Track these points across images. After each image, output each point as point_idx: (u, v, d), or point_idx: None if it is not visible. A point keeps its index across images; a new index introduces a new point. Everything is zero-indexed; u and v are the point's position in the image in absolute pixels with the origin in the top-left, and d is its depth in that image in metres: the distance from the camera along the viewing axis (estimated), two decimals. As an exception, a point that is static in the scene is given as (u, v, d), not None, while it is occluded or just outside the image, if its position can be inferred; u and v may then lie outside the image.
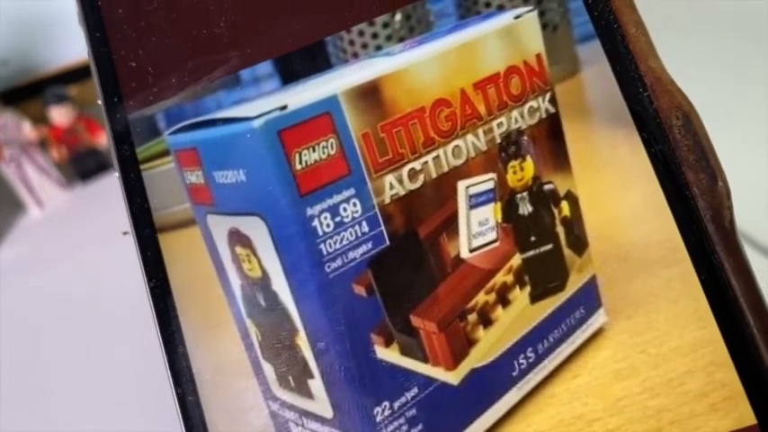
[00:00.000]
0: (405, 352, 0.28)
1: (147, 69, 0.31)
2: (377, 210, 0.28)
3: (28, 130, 0.75)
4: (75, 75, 0.81)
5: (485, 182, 0.29)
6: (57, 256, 0.75)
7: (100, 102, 0.31)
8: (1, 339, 0.68)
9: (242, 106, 0.29)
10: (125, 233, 0.30)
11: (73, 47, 0.81)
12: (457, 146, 0.29)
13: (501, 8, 0.30)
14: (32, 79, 0.80)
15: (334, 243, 0.27)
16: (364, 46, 0.30)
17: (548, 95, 0.30)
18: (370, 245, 0.28)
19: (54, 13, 0.80)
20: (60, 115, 0.76)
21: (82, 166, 0.79)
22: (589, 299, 0.31)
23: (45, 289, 0.72)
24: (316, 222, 0.27)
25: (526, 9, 0.30)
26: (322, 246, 0.27)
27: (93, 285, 0.71)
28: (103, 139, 0.77)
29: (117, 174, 0.30)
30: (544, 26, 0.30)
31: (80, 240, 0.76)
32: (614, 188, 0.28)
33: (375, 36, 0.30)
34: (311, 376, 0.28)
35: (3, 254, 0.76)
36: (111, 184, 0.78)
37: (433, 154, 0.29)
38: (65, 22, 0.81)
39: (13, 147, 0.74)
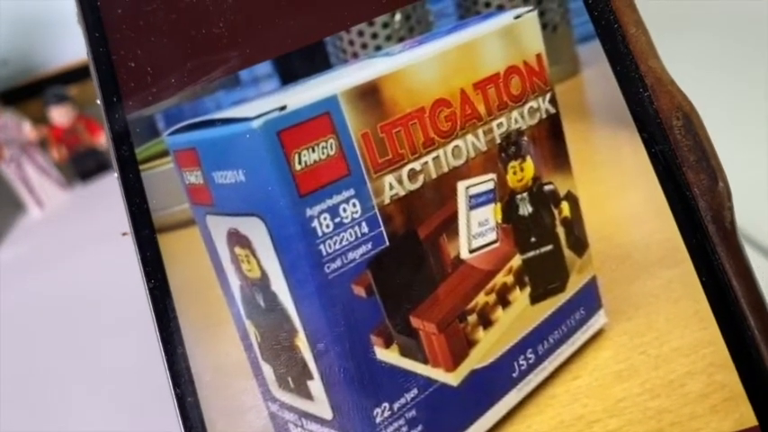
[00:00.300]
0: (404, 353, 0.28)
1: (147, 69, 0.31)
2: (376, 210, 0.28)
3: (28, 130, 0.75)
4: (75, 75, 0.81)
5: (485, 182, 0.29)
6: (57, 256, 0.75)
7: (99, 102, 0.31)
8: (1, 339, 0.68)
9: (241, 107, 0.29)
10: (124, 234, 0.30)
11: (73, 47, 0.81)
12: (457, 146, 0.29)
13: (501, 8, 0.30)
14: (32, 79, 0.80)
15: (334, 244, 0.27)
16: (364, 46, 0.30)
17: (548, 96, 0.30)
18: (369, 245, 0.28)
19: (54, 13, 0.80)
20: (60, 115, 0.76)
21: (82, 166, 0.79)
22: (589, 300, 0.31)
23: (45, 289, 0.72)
24: (315, 223, 0.27)
25: (526, 9, 0.30)
26: (321, 246, 0.27)
27: (92, 285, 0.71)
28: (103, 139, 0.77)
29: (116, 174, 0.30)
30: (544, 26, 0.30)
31: (80, 240, 0.76)
32: (614, 189, 0.28)
33: (375, 36, 0.30)
34: (311, 377, 0.28)
35: (3, 254, 0.76)
36: (111, 184, 0.78)
37: (433, 154, 0.29)
38: (65, 22, 0.81)
39: (14, 147, 0.74)
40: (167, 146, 0.30)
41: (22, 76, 0.79)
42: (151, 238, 0.29)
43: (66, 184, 0.79)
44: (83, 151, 0.78)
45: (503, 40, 0.30)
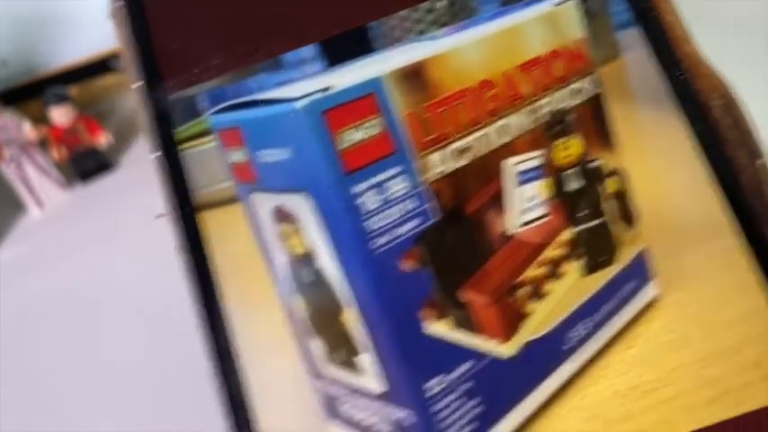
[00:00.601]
0: (456, 326, 0.28)
1: (189, 51, 0.31)
2: (423, 187, 0.28)
3: (28, 130, 0.74)
4: (76, 75, 0.81)
5: (532, 159, 0.30)
6: (57, 256, 0.75)
7: (136, 84, 0.31)
8: (1, 339, 0.68)
9: (286, 87, 0.29)
10: (160, 215, 0.31)
11: (73, 47, 0.81)
12: (503, 125, 0.29)
13: (543, -6, 0.31)
14: (32, 79, 0.79)
15: (381, 220, 0.28)
16: (408, 31, 0.31)
17: (590, 77, 0.31)
18: (417, 221, 0.28)
19: (54, 12, 0.80)
20: (60, 115, 0.75)
21: (82, 166, 0.79)
22: (640, 272, 0.32)
23: (45, 289, 0.72)
24: (361, 199, 0.27)
25: (567, -4, 0.31)
26: (368, 222, 0.27)
27: (92, 285, 0.71)
28: (103, 139, 0.77)
29: (157, 154, 0.30)
30: (584, 13, 0.31)
31: (80, 240, 0.75)
32: (659, 165, 0.29)
33: (418, 21, 0.31)
34: (359, 352, 0.28)
35: (3, 254, 0.75)
36: (111, 184, 0.78)
37: (480, 133, 0.29)
38: (65, 22, 0.81)
39: (13, 147, 0.73)
40: (210, 125, 0.30)
41: (22, 76, 0.79)
42: (192, 216, 0.30)
43: (66, 184, 0.78)
44: (83, 151, 0.77)
45: (544, 25, 0.31)
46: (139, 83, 0.31)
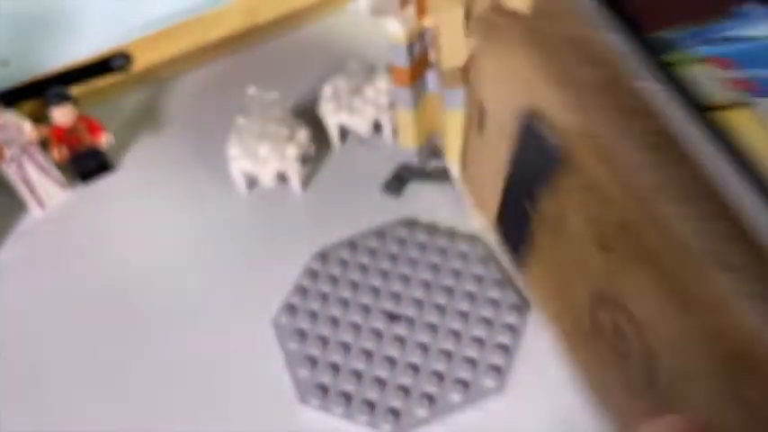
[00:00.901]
0: None
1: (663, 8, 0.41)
2: None
3: (28, 130, 0.74)
4: (76, 75, 0.81)
5: None
6: (57, 256, 0.74)
7: (603, 28, 0.39)
8: (2, 339, 0.67)
9: (749, 28, 0.40)
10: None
11: (73, 47, 0.81)
12: None
13: None
14: (32, 79, 0.78)
15: None
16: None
17: None
18: None
19: (54, 13, 0.80)
20: (61, 115, 0.75)
21: (83, 166, 0.78)
22: None
23: (46, 289, 0.71)
24: None
25: None
26: None
27: (93, 285, 0.71)
28: (104, 139, 0.77)
29: (647, 83, 0.37)
30: None
31: (80, 240, 0.75)
32: None
33: None
34: None
35: (3, 254, 0.74)
36: (111, 184, 0.78)
37: None
38: (65, 22, 0.81)
39: (14, 147, 0.73)
40: (697, 56, 0.39)
41: (23, 76, 0.78)
42: (709, 118, 0.36)
43: (66, 184, 0.78)
44: (84, 151, 0.77)
45: None
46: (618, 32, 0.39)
